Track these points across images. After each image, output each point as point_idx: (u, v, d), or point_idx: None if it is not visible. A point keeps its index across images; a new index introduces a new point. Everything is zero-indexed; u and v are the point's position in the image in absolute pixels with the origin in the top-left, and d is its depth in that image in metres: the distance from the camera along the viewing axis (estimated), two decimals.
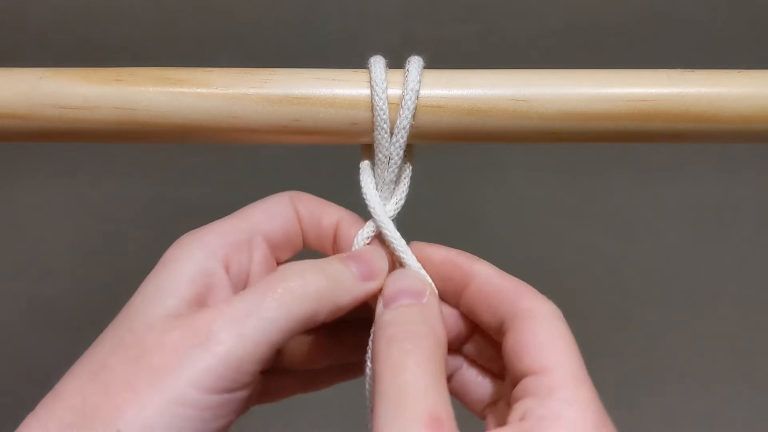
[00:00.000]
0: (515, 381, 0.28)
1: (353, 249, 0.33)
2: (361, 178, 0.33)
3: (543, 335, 0.29)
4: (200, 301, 0.30)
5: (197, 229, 0.32)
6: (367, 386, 0.32)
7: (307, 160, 0.53)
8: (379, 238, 0.34)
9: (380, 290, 0.32)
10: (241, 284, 0.32)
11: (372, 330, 0.31)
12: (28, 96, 0.32)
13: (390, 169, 0.33)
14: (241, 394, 0.28)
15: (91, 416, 0.26)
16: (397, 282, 0.32)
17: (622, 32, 0.50)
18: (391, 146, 0.32)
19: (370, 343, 0.32)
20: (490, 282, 0.31)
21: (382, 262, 0.33)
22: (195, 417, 0.27)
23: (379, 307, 0.31)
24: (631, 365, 0.65)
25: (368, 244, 0.33)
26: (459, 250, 0.33)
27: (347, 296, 0.31)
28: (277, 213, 0.33)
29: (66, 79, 0.32)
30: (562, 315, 0.30)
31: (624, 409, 0.68)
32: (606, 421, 0.27)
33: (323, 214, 0.34)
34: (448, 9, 0.49)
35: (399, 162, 0.33)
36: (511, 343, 0.29)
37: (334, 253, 0.34)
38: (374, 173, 0.33)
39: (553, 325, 0.29)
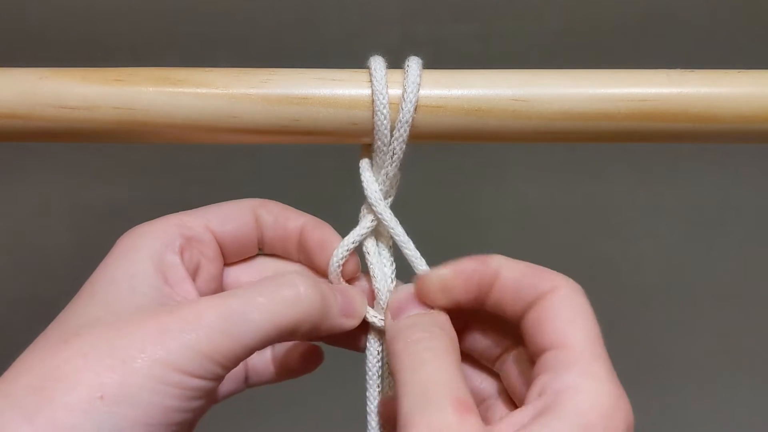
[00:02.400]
0: (535, 358, 0.29)
1: (344, 246, 0.33)
2: (362, 177, 0.33)
3: (562, 311, 0.29)
4: (167, 290, 0.30)
5: (149, 222, 0.32)
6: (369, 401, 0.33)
7: (308, 161, 0.53)
8: (377, 237, 0.34)
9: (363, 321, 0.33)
10: (192, 273, 0.32)
11: (373, 340, 0.34)
12: (28, 96, 0.32)
13: (393, 166, 0.33)
14: (213, 385, 0.28)
15: (66, 380, 0.26)
16: (402, 295, 0.32)
17: (622, 32, 0.50)
18: (393, 143, 0.32)
19: (369, 354, 0.33)
20: (513, 273, 0.31)
21: (362, 304, 0.33)
22: (172, 394, 0.27)
23: (389, 320, 0.32)
24: (631, 365, 0.65)
25: (351, 279, 0.34)
26: (467, 258, 0.32)
27: (328, 323, 0.31)
28: (232, 217, 0.33)
29: (66, 79, 0.32)
30: (583, 291, 0.30)
31: None
32: (622, 395, 0.27)
33: (288, 219, 0.34)
34: (448, 9, 0.49)
35: (399, 160, 0.33)
36: (531, 321, 0.30)
37: (298, 259, 0.34)
38: (373, 171, 0.33)
39: (573, 300, 0.30)
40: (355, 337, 0.34)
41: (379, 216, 0.33)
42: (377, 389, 0.34)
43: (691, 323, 0.63)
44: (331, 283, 0.34)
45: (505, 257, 0.32)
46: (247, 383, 0.37)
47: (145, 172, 0.56)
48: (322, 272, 0.34)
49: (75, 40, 0.49)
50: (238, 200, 0.34)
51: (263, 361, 0.37)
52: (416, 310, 0.32)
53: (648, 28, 0.50)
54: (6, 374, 0.27)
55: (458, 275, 0.31)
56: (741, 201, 0.59)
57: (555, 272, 0.31)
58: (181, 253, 0.31)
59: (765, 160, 0.57)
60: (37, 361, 0.27)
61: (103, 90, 0.32)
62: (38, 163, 0.55)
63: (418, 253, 0.33)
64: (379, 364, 0.34)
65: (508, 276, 0.31)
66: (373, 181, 0.33)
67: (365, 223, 0.34)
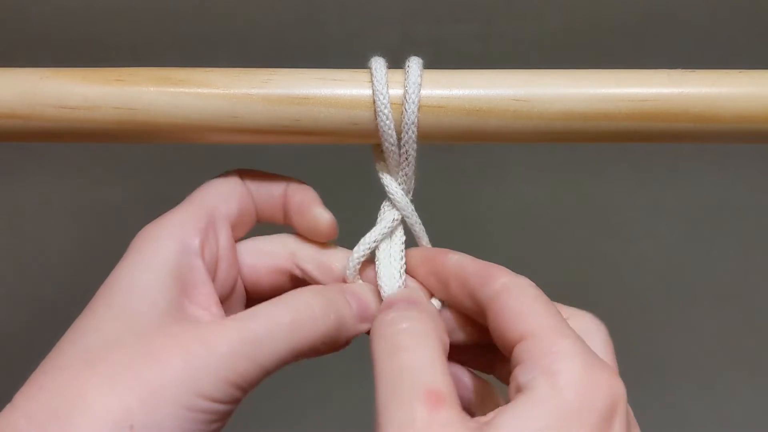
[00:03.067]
0: (508, 357, 0.28)
1: (364, 244, 0.33)
2: (382, 178, 0.34)
3: (518, 303, 0.28)
4: (186, 296, 0.30)
5: (160, 220, 0.32)
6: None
7: (308, 161, 0.53)
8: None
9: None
10: (213, 270, 0.32)
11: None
12: (28, 96, 0.32)
13: (410, 167, 0.33)
14: (232, 408, 0.28)
15: (94, 409, 0.26)
16: (396, 295, 0.32)
17: (622, 32, 0.50)
18: (404, 146, 0.32)
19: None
20: (464, 269, 0.31)
21: (375, 305, 0.33)
22: (197, 420, 0.27)
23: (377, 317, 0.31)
24: (631, 365, 0.65)
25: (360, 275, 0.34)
26: (434, 248, 0.33)
27: (345, 335, 0.31)
28: (231, 194, 0.33)
29: (66, 79, 0.32)
30: (535, 285, 0.30)
31: None
32: (599, 366, 0.26)
33: (272, 185, 0.34)
34: (448, 9, 0.49)
35: (414, 159, 0.33)
36: (492, 320, 0.29)
37: (285, 221, 0.34)
38: (391, 172, 0.34)
39: (527, 292, 0.29)
40: None
41: (403, 213, 0.34)
42: None
43: (691, 323, 0.63)
44: (346, 281, 0.33)
45: (464, 255, 0.32)
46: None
47: (145, 172, 0.56)
48: (304, 236, 0.34)
49: (75, 40, 0.49)
50: (224, 176, 0.34)
51: None
52: (404, 305, 0.31)
53: (648, 28, 0.50)
54: (26, 391, 0.27)
55: (423, 259, 0.33)
56: (741, 201, 0.59)
57: (508, 270, 0.31)
58: (202, 254, 0.31)
59: (765, 160, 0.57)
60: (61, 384, 0.27)
61: (103, 90, 0.32)
62: (38, 163, 0.55)
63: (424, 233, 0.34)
64: None
65: (458, 272, 0.31)
66: (393, 181, 0.33)
67: (387, 222, 0.34)
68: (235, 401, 0.28)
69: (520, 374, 0.26)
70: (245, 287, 0.34)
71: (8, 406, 0.27)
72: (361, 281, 0.34)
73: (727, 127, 0.32)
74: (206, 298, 0.31)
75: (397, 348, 0.28)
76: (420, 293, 0.33)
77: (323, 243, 0.34)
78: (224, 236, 0.33)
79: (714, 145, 0.36)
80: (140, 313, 0.28)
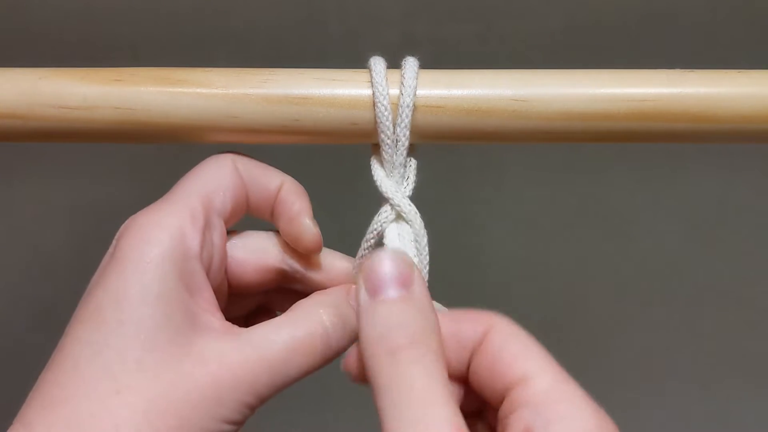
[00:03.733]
0: (497, 399, 0.27)
1: (366, 241, 0.33)
2: (374, 174, 0.34)
3: (515, 345, 0.27)
4: (194, 302, 0.29)
5: (154, 216, 0.29)
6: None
7: (307, 161, 0.53)
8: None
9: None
10: (208, 271, 0.30)
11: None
12: (28, 96, 0.32)
13: (397, 163, 0.33)
14: (240, 428, 0.29)
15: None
16: (379, 266, 0.27)
17: (622, 32, 0.50)
18: (397, 144, 0.32)
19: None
20: (448, 326, 0.29)
21: None
22: None
23: (363, 296, 0.27)
24: (631, 365, 0.65)
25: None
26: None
27: (354, 339, 0.31)
28: (227, 186, 0.32)
29: (65, 79, 0.32)
30: (513, 322, 0.29)
31: (624, 409, 0.68)
32: (601, 411, 0.26)
33: (268, 180, 0.33)
34: (448, 9, 0.49)
35: (404, 156, 0.33)
36: (481, 366, 0.28)
37: (271, 218, 0.33)
38: (384, 169, 0.33)
39: (518, 333, 0.28)
40: None
41: (397, 207, 0.33)
42: None
43: (691, 323, 0.63)
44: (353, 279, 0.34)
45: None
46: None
47: (145, 172, 0.56)
48: (287, 240, 0.33)
49: (75, 40, 0.49)
50: (217, 160, 0.32)
51: None
52: (397, 291, 0.27)
53: (648, 28, 0.50)
54: (33, 402, 0.27)
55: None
56: (741, 201, 0.59)
57: (481, 311, 0.29)
58: (201, 257, 0.30)
59: (765, 160, 0.57)
60: (72, 404, 0.26)
61: (103, 90, 0.32)
62: (38, 163, 0.55)
63: (426, 250, 0.33)
64: None
65: (445, 331, 0.29)
66: (385, 177, 0.33)
67: (381, 216, 0.33)
68: (245, 420, 0.28)
69: (530, 416, 0.25)
70: (228, 281, 0.33)
71: (21, 425, 0.26)
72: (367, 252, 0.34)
73: (727, 127, 0.32)
74: (209, 302, 0.30)
75: (410, 380, 0.25)
76: (408, 263, 0.28)
77: None
78: (218, 234, 0.31)
79: (714, 145, 0.36)
80: (158, 327, 0.27)
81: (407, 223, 0.33)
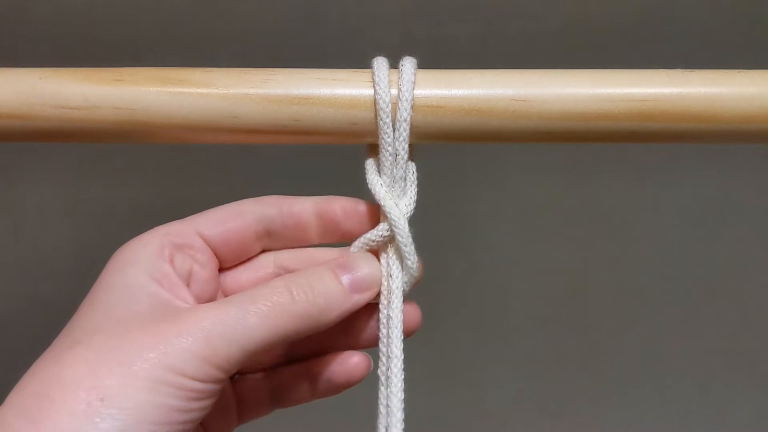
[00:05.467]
0: None
1: (354, 249, 0.33)
2: (368, 178, 0.33)
3: None
4: (165, 296, 0.31)
5: (139, 236, 0.32)
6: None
7: (308, 161, 0.53)
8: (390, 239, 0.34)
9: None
10: (185, 283, 0.32)
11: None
12: (28, 96, 0.32)
13: (398, 166, 0.33)
14: (213, 387, 0.29)
15: (68, 385, 0.27)
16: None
17: (622, 32, 0.50)
18: (395, 144, 0.32)
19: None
20: None
21: (375, 273, 0.33)
22: (173, 395, 0.27)
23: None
24: (631, 365, 0.65)
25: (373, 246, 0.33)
26: None
27: (335, 312, 0.31)
28: (222, 220, 0.33)
29: (66, 79, 0.32)
30: None
31: (624, 409, 0.68)
32: None
33: (293, 205, 0.34)
34: (448, 9, 0.49)
35: (405, 159, 0.33)
36: None
37: (320, 239, 0.34)
38: (380, 172, 0.33)
39: None
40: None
41: (392, 219, 0.33)
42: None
43: (691, 323, 0.63)
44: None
45: None
46: (277, 403, 0.36)
47: (145, 172, 0.56)
48: (353, 236, 0.34)
49: (76, 40, 0.49)
50: (231, 203, 0.34)
51: (294, 376, 0.36)
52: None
53: (648, 28, 0.50)
54: (15, 386, 0.28)
55: None
56: (741, 201, 0.59)
57: None
58: (171, 261, 0.32)
59: (765, 160, 0.57)
60: (42, 369, 0.28)
61: (103, 90, 0.32)
62: (38, 163, 0.55)
63: (414, 257, 0.33)
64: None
65: None
66: (377, 180, 0.33)
67: (375, 234, 0.33)
68: (216, 381, 0.29)
69: None
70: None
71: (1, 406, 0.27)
72: (358, 251, 0.34)
73: (727, 127, 0.32)
74: (185, 297, 0.31)
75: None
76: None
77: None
78: (203, 256, 0.33)
79: (714, 145, 0.36)
80: (120, 306, 0.29)
81: (399, 245, 0.33)
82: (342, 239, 0.34)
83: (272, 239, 0.34)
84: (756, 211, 0.59)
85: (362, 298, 0.32)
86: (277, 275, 0.34)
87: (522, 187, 0.58)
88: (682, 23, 0.50)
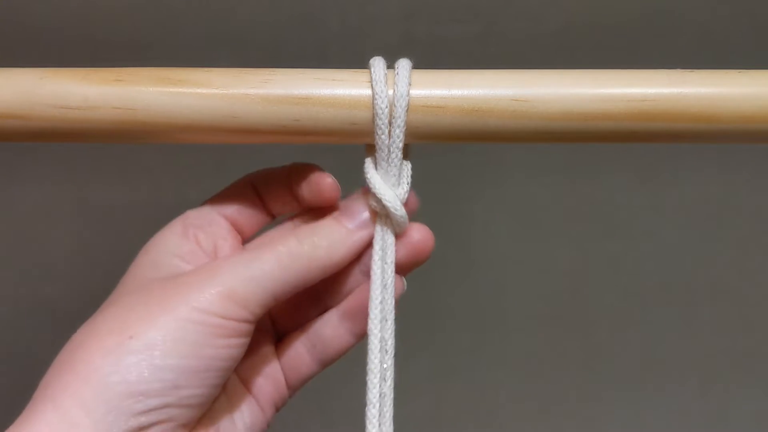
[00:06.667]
0: None
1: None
2: (367, 175, 0.34)
3: None
4: (188, 268, 0.33)
5: (161, 230, 0.35)
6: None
7: (308, 161, 0.53)
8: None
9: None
10: (210, 257, 0.35)
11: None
12: (28, 96, 0.32)
13: (392, 165, 0.33)
14: (241, 327, 0.31)
15: (99, 332, 0.30)
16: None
17: (622, 32, 0.50)
18: (391, 145, 0.32)
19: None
20: None
21: (369, 211, 0.35)
22: (198, 331, 0.30)
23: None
24: (631, 365, 0.65)
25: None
26: None
27: (341, 250, 0.33)
28: (232, 196, 0.36)
29: (66, 79, 0.32)
30: None
31: (624, 409, 0.68)
32: None
33: (275, 176, 0.36)
34: (448, 9, 0.49)
35: (399, 160, 0.33)
36: None
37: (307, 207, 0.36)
38: (378, 171, 0.33)
39: None
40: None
41: (389, 206, 0.33)
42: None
43: (691, 323, 0.63)
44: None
45: None
46: (316, 356, 0.36)
47: (145, 172, 0.56)
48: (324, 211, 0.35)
49: (76, 40, 0.49)
50: (236, 180, 0.37)
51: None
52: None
53: (648, 28, 0.50)
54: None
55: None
56: (741, 201, 0.59)
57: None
58: (197, 240, 0.34)
59: (765, 160, 0.57)
60: (77, 332, 0.31)
61: (103, 90, 0.32)
62: (38, 163, 0.55)
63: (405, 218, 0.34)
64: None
65: None
66: (377, 176, 0.33)
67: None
68: (241, 319, 0.31)
69: None
70: None
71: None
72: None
73: (727, 127, 0.32)
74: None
75: None
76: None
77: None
78: (223, 230, 0.35)
79: (714, 145, 0.36)
80: (146, 274, 0.33)
81: (397, 221, 0.34)
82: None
83: (274, 210, 0.37)
84: (756, 211, 0.59)
85: (363, 235, 0.34)
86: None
87: (522, 187, 0.58)
88: (682, 23, 0.50)
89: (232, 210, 0.35)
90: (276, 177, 0.36)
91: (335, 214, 0.35)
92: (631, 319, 0.63)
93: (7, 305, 0.60)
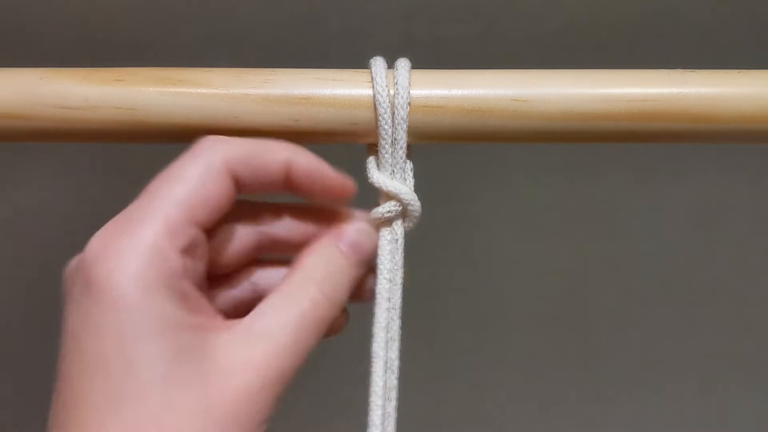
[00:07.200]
0: None
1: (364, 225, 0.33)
2: (372, 176, 0.33)
3: None
4: (187, 317, 0.27)
5: (122, 236, 0.28)
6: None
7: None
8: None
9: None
10: (196, 277, 0.29)
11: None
12: (28, 96, 0.32)
13: (396, 166, 0.33)
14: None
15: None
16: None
17: (622, 32, 0.50)
18: (394, 146, 0.32)
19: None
20: None
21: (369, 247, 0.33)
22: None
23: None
24: (631, 365, 0.65)
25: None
26: None
27: (347, 292, 0.31)
28: (213, 194, 0.29)
29: (66, 79, 0.32)
30: None
31: (624, 409, 0.68)
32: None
33: (269, 165, 0.30)
34: (448, 9, 0.49)
35: (403, 158, 0.33)
36: None
37: (280, 192, 0.32)
38: (380, 170, 0.33)
39: None
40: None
41: (400, 195, 0.33)
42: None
43: (691, 323, 0.63)
44: None
45: None
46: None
47: (145, 172, 0.56)
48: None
49: (76, 40, 0.49)
50: (203, 162, 0.29)
51: None
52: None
53: (648, 28, 0.50)
54: None
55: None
56: (741, 201, 0.59)
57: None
58: (186, 271, 0.27)
59: (765, 160, 0.57)
60: None
61: (103, 90, 0.32)
62: (38, 163, 0.55)
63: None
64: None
65: None
66: (383, 176, 0.33)
67: (386, 208, 0.33)
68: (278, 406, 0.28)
69: None
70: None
71: None
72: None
73: (727, 127, 0.32)
74: (208, 314, 0.29)
75: None
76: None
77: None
78: (201, 243, 0.29)
79: (714, 145, 0.36)
80: (171, 362, 0.26)
81: (408, 219, 0.33)
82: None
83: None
84: (756, 211, 0.59)
85: (360, 272, 0.32)
86: (256, 242, 0.32)
87: (522, 187, 0.58)
88: (682, 23, 0.50)
89: (213, 219, 0.29)
90: (263, 174, 0.30)
91: (344, 250, 0.32)
92: (631, 319, 0.63)
93: (6, 305, 0.60)
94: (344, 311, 0.32)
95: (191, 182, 0.28)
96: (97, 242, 0.28)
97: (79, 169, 0.56)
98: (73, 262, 0.29)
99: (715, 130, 0.33)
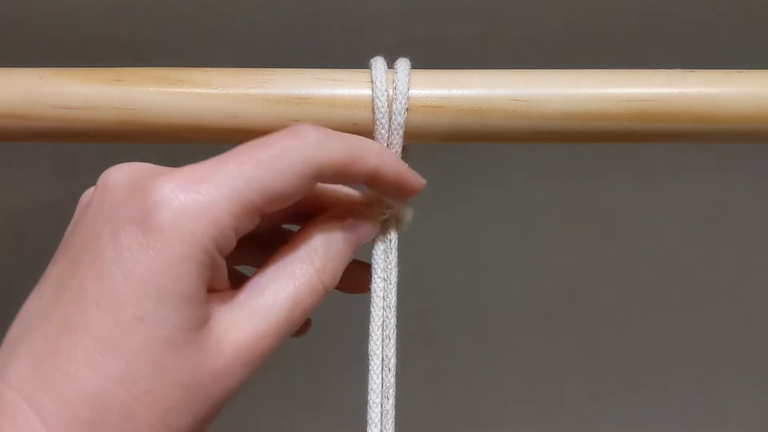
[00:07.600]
0: None
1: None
2: None
3: None
4: (205, 296, 0.27)
5: (195, 193, 0.27)
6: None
7: None
8: None
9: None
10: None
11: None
12: (28, 96, 0.32)
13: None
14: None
15: None
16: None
17: (622, 32, 0.50)
18: (391, 144, 0.32)
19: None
20: None
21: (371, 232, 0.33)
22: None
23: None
24: (631, 365, 0.65)
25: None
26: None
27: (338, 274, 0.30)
28: (289, 193, 0.28)
29: (66, 79, 0.32)
30: None
31: (624, 409, 0.68)
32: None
33: (359, 172, 0.30)
34: (448, 9, 0.49)
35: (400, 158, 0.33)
36: None
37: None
38: None
39: None
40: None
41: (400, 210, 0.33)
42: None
43: (691, 323, 0.63)
44: None
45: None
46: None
47: None
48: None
49: (76, 40, 0.49)
50: (294, 161, 0.27)
51: None
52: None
53: (648, 29, 0.50)
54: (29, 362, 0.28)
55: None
56: (741, 201, 0.59)
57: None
58: (229, 254, 0.27)
59: (765, 160, 0.57)
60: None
61: (103, 90, 0.32)
62: (38, 163, 0.55)
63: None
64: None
65: None
66: None
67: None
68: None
69: None
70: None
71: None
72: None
73: (727, 127, 0.32)
74: (224, 293, 0.28)
75: None
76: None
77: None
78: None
79: (714, 145, 0.36)
80: (179, 330, 0.26)
81: (400, 223, 0.33)
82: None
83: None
84: (756, 211, 0.59)
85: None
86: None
87: (522, 187, 0.58)
88: (682, 23, 0.50)
89: (272, 212, 0.28)
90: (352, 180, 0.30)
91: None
92: (631, 319, 0.63)
93: (6, 305, 0.60)
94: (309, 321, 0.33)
95: (280, 178, 0.27)
96: (170, 184, 0.27)
97: (79, 169, 0.56)
98: (119, 186, 0.30)
99: (715, 130, 0.32)
